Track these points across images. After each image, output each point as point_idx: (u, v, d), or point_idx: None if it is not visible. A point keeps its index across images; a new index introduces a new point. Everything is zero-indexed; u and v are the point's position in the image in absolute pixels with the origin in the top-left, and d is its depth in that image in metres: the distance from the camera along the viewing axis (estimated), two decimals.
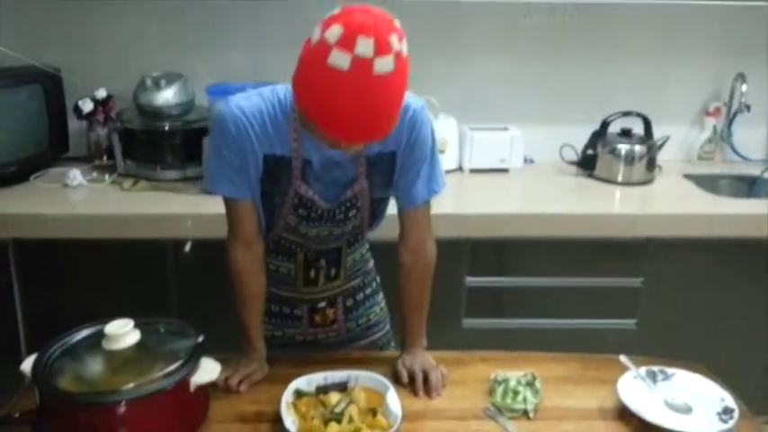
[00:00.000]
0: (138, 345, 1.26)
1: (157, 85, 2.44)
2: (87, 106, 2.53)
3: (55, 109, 2.52)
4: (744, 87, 2.72)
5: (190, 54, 2.66)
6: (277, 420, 1.28)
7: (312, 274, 1.56)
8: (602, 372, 1.53)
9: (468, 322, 2.38)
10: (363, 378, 1.40)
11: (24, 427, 1.21)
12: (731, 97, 2.82)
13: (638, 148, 2.61)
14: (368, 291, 1.69)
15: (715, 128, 2.86)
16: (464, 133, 2.69)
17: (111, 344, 1.25)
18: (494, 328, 2.38)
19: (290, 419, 1.26)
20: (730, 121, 2.85)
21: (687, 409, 1.37)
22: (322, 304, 1.61)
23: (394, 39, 1.14)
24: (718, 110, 2.86)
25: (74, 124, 2.61)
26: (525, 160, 2.76)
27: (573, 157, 2.71)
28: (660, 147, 2.66)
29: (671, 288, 2.38)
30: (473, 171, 2.68)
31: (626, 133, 2.67)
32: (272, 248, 1.54)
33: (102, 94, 2.57)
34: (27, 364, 1.23)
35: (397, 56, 1.14)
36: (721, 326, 2.44)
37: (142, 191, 2.39)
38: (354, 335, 1.68)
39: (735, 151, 2.88)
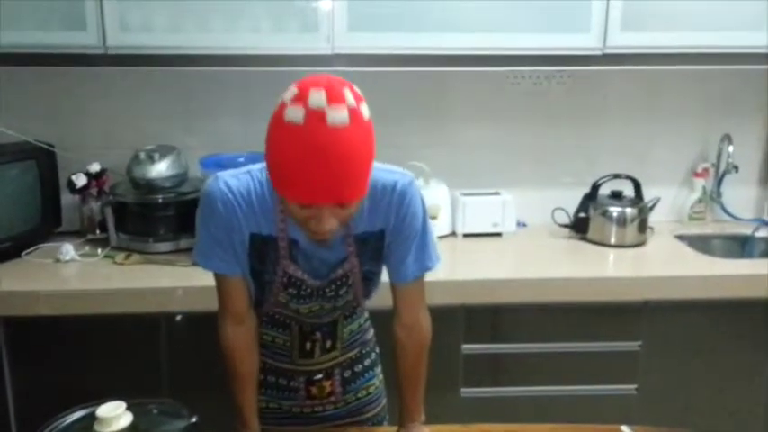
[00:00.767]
0: (131, 427, 1.23)
1: (151, 159, 2.46)
2: (81, 180, 2.54)
3: (48, 184, 2.53)
4: (731, 148, 2.76)
5: (182, 126, 2.69)
6: None
7: (308, 346, 1.54)
8: None
9: (466, 391, 2.34)
10: None
11: None
12: (719, 158, 2.86)
13: (629, 210, 2.62)
14: (366, 362, 1.66)
15: (704, 188, 2.89)
16: (456, 199, 2.70)
17: (103, 427, 1.22)
18: (492, 397, 2.34)
19: None
20: (719, 182, 2.87)
21: None
22: (319, 376, 1.58)
23: (348, 93, 1.15)
24: (706, 170, 2.89)
25: (67, 198, 2.61)
26: (518, 224, 2.77)
27: (565, 220, 2.73)
28: (651, 208, 2.68)
29: (670, 351, 2.36)
30: (466, 236, 2.69)
31: (617, 196, 2.70)
32: (267, 321, 1.53)
33: (95, 168, 2.58)
34: None
35: (353, 111, 1.15)
36: (722, 388, 2.41)
37: (135, 264, 2.38)
38: (352, 408, 1.64)
39: (725, 211, 2.91)
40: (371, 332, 1.69)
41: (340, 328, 1.56)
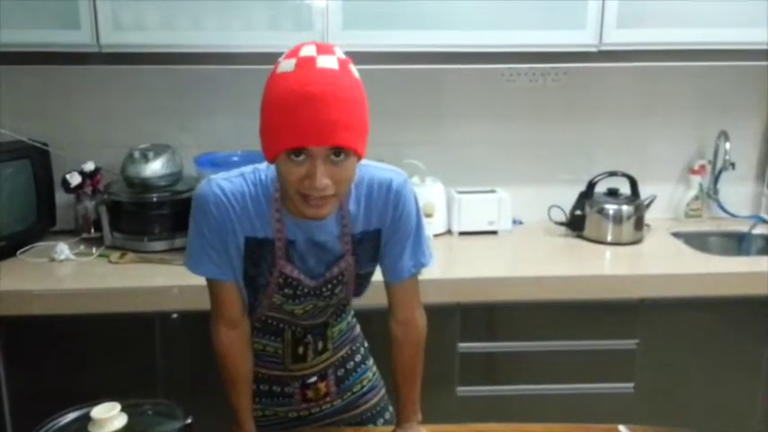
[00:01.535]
0: (126, 428, 1.23)
1: (145, 158, 2.45)
2: (75, 179, 2.52)
3: (43, 183, 2.52)
4: (727, 145, 2.76)
5: (176, 124, 2.69)
6: None
7: (300, 350, 1.53)
8: None
9: (462, 390, 2.34)
10: None
11: None
12: (715, 155, 2.86)
13: (625, 207, 2.62)
14: (357, 358, 1.66)
15: (701, 185, 2.89)
16: (451, 197, 2.70)
17: (97, 428, 1.21)
18: (488, 396, 2.34)
19: None
20: (716, 179, 2.87)
21: None
22: (313, 379, 1.58)
23: (337, 49, 1.22)
24: (702, 167, 2.88)
25: (61, 198, 2.60)
26: (514, 222, 2.77)
27: (561, 217, 2.72)
28: (647, 206, 2.68)
29: (667, 349, 2.36)
30: (462, 234, 2.68)
31: (613, 193, 2.69)
32: (258, 328, 1.51)
33: (89, 166, 2.57)
34: None
35: (342, 61, 1.20)
36: (719, 385, 2.41)
37: (129, 263, 2.37)
38: (349, 403, 1.64)
39: (722, 208, 2.90)
40: (358, 328, 1.69)
41: (330, 329, 1.56)
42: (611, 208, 2.62)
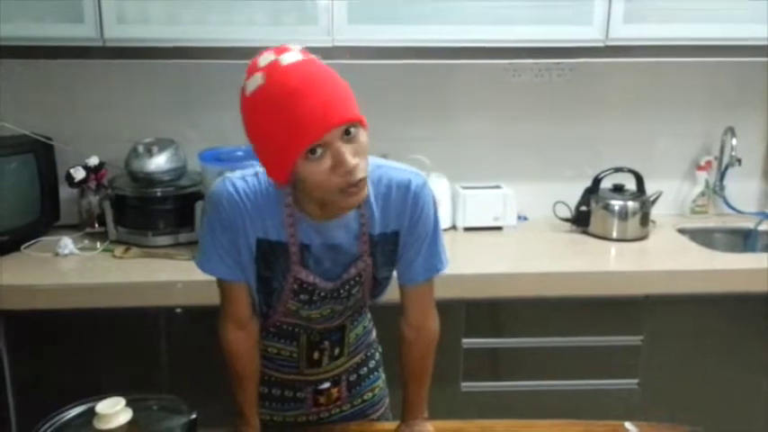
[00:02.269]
0: (131, 423, 1.22)
1: (149, 152, 2.45)
2: (79, 174, 2.52)
3: (47, 178, 2.52)
4: (734, 141, 2.75)
5: (180, 119, 2.68)
6: None
7: (316, 355, 1.51)
8: None
9: (467, 386, 2.33)
10: None
11: None
12: (722, 151, 2.84)
13: (631, 203, 2.61)
14: (371, 364, 1.64)
15: (707, 182, 2.87)
16: (456, 192, 2.69)
17: (102, 423, 1.21)
18: (492, 391, 2.33)
19: None
20: (722, 175, 2.86)
21: None
22: (326, 385, 1.55)
23: (293, 47, 1.19)
24: (708, 163, 2.87)
25: (65, 192, 2.60)
26: (519, 218, 2.76)
27: (567, 213, 2.71)
28: (653, 202, 2.66)
29: (672, 346, 2.35)
30: (467, 230, 2.68)
31: (618, 189, 2.68)
32: (273, 332, 1.49)
33: (93, 161, 2.56)
34: None
35: (304, 53, 1.18)
36: (724, 382, 2.40)
37: (133, 258, 2.36)
38: (357, 410, 1.62)
39: (728, 204, 2.89)
40: (374, 333, 1.67)
41: (347, 334, 1.53)
42: (616, 204, 2.61)
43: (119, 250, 2.40)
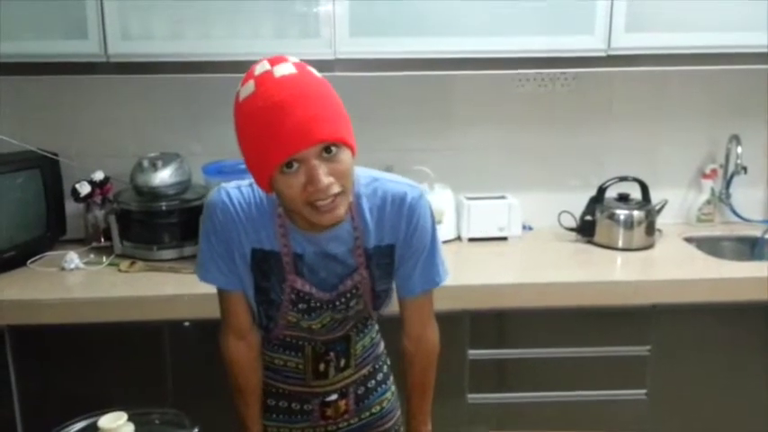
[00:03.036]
0: None
1: (154, 166, 2.46)
2: (85, 189, 2.53)
3: (53, 193, 2.53)
4: (739, 149, 2.74)
5: (184, 133, 2.69)
6: None
7: (322, 367, 1.50)
8: None
9: (473, 397, 2.32)
10: None
11: None
12: (727, 159, 2.83)
13: (636, 212, 2.60)
14: (379, 377, 1.62)
15: (713, 190, 2.86)
16: (461, 203, 2.69)
17: None
18: (499, 403, 2.32)
19: None
20: (728, 183, 2.85)
21: None
22: (333, 397, 1.54)
23: (291, 59, 1.20)
24: (714, 171, 2.86)
25: (71, 207, 2.62)
26: (524, 228, 2.75)
27: (572, 223, 2.71)
28: (659, 211, 2.66)
29: (680, 355, 2.33)
30: (471, 240, 2.67)
31: (623, 198, 2.67)
32: (279, 344, 1.49)
33: (99, 176, 2.58)
34: None
35: (299, 65, 1.19)
36: (732, 392, 2.38)
37: (139, 272, 2.37)
38: (365, 424, 1.60)
39: (734, 213, 2.88)
40: (382, 345, 1.65)
41: (353, 345, 1.52)
42: (622, 213, 2.60)
43: (124, 264, 2.41)
